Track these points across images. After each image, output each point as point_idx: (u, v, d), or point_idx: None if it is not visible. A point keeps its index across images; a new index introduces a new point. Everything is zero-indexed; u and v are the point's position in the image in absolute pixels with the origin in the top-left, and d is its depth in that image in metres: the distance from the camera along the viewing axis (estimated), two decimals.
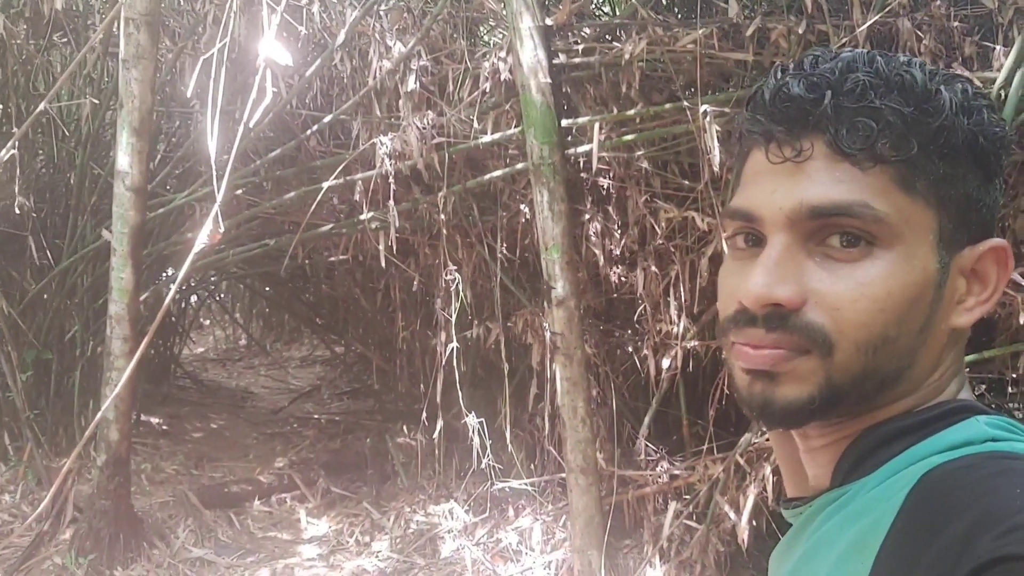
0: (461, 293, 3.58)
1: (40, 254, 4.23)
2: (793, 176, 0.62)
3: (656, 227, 3.26)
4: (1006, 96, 2.46)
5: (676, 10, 3.73)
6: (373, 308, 5.13)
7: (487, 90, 3.40)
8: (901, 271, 0.60)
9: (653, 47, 3.04)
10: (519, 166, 3.36)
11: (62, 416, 4.45)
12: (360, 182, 3.54)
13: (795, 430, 0.68)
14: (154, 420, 5.14)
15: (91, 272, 4.45)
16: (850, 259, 0.61)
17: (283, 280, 5.89)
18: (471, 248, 3.73)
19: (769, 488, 2.91)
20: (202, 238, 2.07)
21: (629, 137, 3.25)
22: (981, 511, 0.51)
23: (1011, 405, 3.61)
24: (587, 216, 3.37)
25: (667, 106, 3.15)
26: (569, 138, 3.28)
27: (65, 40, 4.47)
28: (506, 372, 3.56)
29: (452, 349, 3.51)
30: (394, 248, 3.49)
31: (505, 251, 3.62)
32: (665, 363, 3.27)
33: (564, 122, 3.19)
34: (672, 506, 3.24)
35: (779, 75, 0.64)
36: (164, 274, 4.83)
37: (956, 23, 2.83)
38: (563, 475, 3.40)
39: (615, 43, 3.24)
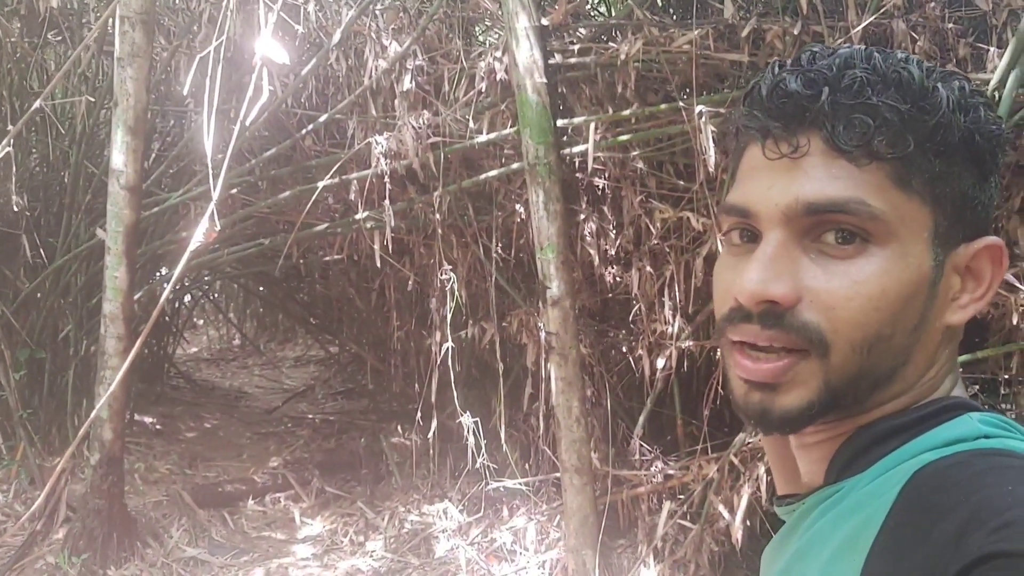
0: (456, 293, 3.58)
1: (34, 252, 4.21)
2: (789, 172, 0.62)
3: (651, 227, 3.26)
4: (1000, 97, 2.48)
5: (672, 11, 3.74)
6: (368, 308, 5.12)
7: (483, 90, 3.41)
8: (896, 268, 0.60)
9: (649, 47, 3.05)
10: (515, 166, 3.36)
11: (55, 415, 4.44)
12: (355, 181, 3.55)
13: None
14: (148, 419, 5.12)
15: (85, 271, 4.43)
16: (845, 256, 0.60)
17: (277, 280, 5.88)
18: (466, 248, 3.73)
19: (763, 488, 2.92)
20: (197, 237, 2.06)
21: (624, 137, 3.25)
22: (973, 508, 0.51)
23: (1004, 405, 3.62)
24: (582, 216, 3.37)
25: (662, 106, 3.16)
26: (565, 138, 3.28)
27: (60, 38, 4.46)
28: (501, 372, 3.57)
29: (447, 349, 3.51)
30: (389, 248, 3.49)
31: (500, 251, 3.62)
32: (660, 363, 3.27)
33: (560, 122, 3.19)
34: (666, 506, 3.24)
35: (776, 71, 0.63)
36: (158, 273, 4.82)
37: (951, 25, 2.85)
38: (557, 475, 3.40)
39: (611, 43, 3.24)
